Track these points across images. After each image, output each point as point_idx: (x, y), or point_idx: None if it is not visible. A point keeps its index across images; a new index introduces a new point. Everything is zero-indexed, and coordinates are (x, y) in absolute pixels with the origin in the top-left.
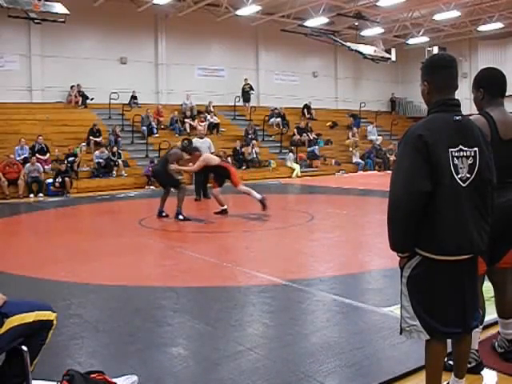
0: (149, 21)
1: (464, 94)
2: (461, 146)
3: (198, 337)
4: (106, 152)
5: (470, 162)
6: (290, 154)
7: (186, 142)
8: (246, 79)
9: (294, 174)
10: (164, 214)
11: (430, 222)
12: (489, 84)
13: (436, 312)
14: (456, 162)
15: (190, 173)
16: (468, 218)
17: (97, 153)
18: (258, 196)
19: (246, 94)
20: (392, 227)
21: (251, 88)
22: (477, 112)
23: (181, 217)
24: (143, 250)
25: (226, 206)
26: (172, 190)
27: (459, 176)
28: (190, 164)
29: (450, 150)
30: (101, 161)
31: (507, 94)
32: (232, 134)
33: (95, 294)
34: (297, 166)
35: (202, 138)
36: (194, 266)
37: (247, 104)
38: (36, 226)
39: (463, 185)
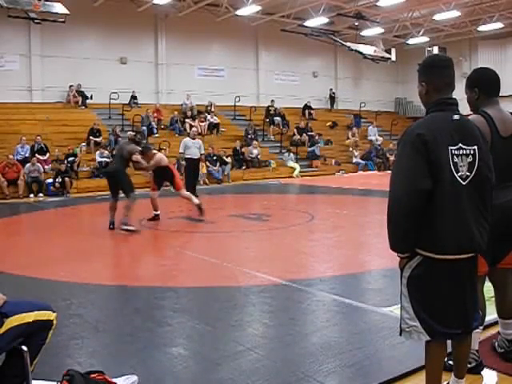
0: (149, 21)
1: (464, 93)
2: (460, 145)
3: (197, 337)
4: (107, 152)
5: (469, 160)
6: (286, 153)
7: (132, 133)
8: (272, 101)
9: (295, 174)
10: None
11: (430, 221)
12: (485, 84)
13: (436, 313)
14: (456, 160)
15: (145, 170)
16: (468, 216)
17: (98, 153)
18: (196, 201)
19: (270, 117)
20: (392, 227)
21: (276, 111)
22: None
23: (127, 227)
24: (143, 250)
25: (159, 212)
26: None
27: (459, 174)
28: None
29: (450, 148)
30: (102, 160)
31: (507, 94)
32: (232, 134)
33: (95, 293)
34: (296, 166)
35: (193, 138)
36: (194, 266)
37: (272, 126)
38: (36, 226)
39: (463, 183)
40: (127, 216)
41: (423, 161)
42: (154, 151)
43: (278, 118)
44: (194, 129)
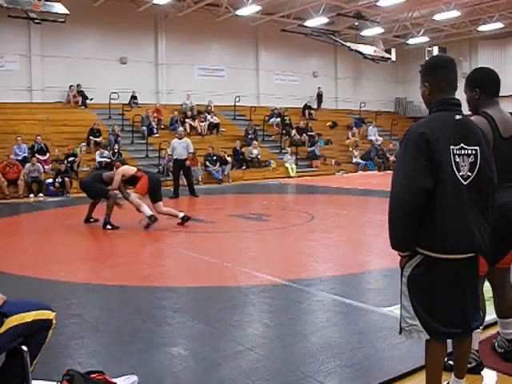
0: (149, 21)
1: (463, 93)
2: (462, 145)
3: (198, 337)
4: (106, 152)
5: (471, 160)
6: (287, 154)
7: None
8: (286, 110)
9: (290, 171)
10: (92, 220)
11: (431, 220)
12: (485, 84)
13: (436, 312)
14: (457, 159)
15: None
16: (469, 216)
17: (97, 153)
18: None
19: (286, 127)
20: (393, 225)
21: (290, 121)
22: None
23: (109, 226)
24: (143, 250)
25: (150, 213)
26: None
27: (460, 174)
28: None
29: (452, 147)
30: (102, 160)
31: (507, 94)
32: (232, 134)
33: (95, 293)
34: (289, 166)
35: (180, 138)
36: (194, 266)
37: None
38: (36, 226)
39: (464, 183)
40: (109, 215)
41: (425, 160)
42: (122, 166)
43: (278, 119)
44: (180, 128)
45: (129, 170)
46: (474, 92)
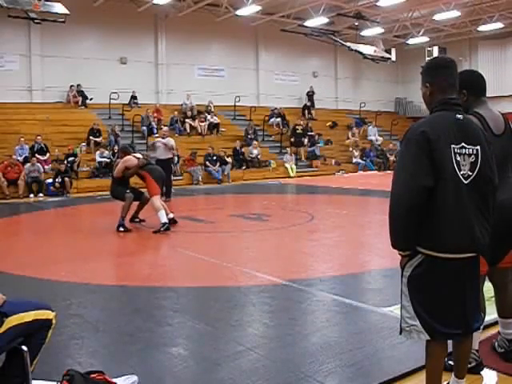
0: (149, 21)
1: None
2: (463, 144)
3: (198, 337)
4: (107, 152)
5: (471, 159)
6: (287, 155)
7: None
8: (301, 123)
9: (290, 171)
10: (137, 220)
11: (431, 220)
12: (472, 85)
13: (436, 312)
14: (458, 158)
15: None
16: (470, 215)
17: (98, 153)
18: (164, 219)
19: (296, 136)
20: (394, 224)
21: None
22: None
23: (121, 228)
24: (143, 250)
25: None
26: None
27: (461, 173)
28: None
29: (452, 146)
30: (102, 160)
31: (507, 94)
32: (232, 134)
33: (95, 293)
34: (288, 166)
35: (163, 138)
36: (194, 266)
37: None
38: (36, 226)
39: (465, 182)
40: (123, 217)
41: (426, 158)
42: (125, 156)
43: (278, 119)
44: (164, 128)
45: (133, 161)
46: (461, 94)
